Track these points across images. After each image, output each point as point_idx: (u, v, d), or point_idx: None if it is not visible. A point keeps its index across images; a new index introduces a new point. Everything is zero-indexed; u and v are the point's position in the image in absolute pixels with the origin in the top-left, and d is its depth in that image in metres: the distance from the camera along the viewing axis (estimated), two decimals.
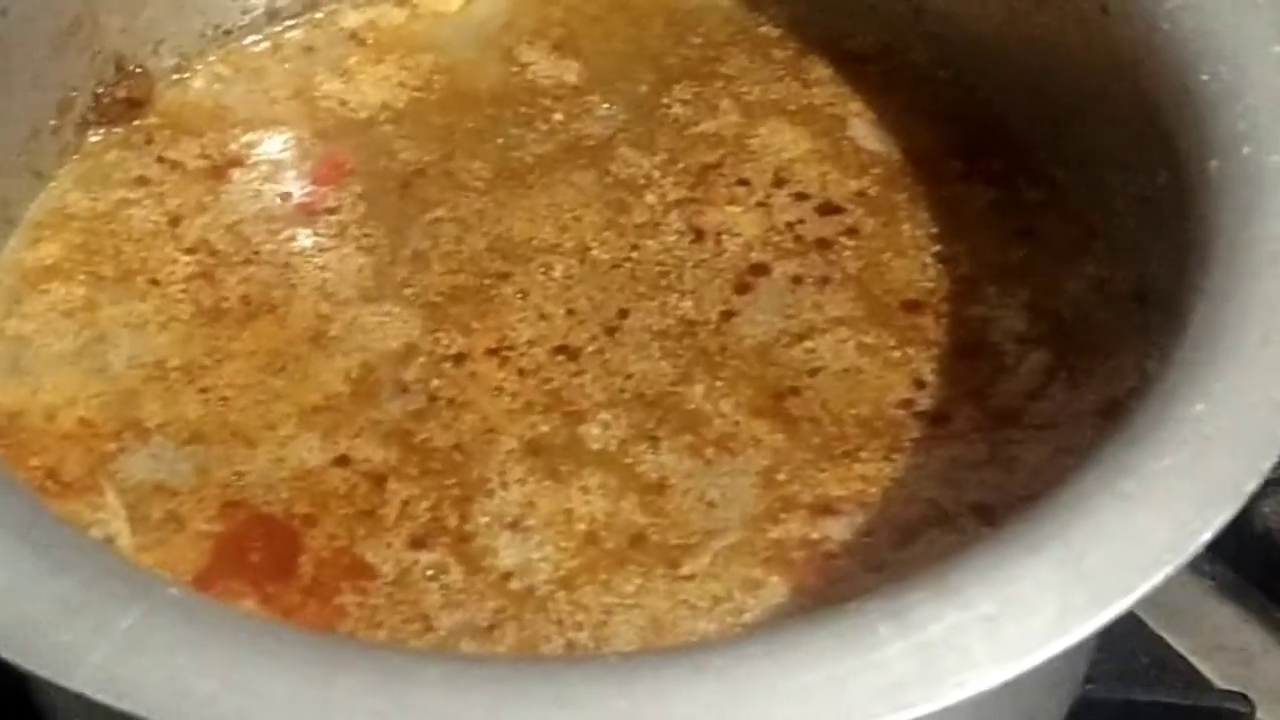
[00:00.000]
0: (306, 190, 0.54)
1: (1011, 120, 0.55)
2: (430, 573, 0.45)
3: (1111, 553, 0.38)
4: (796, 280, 0.52)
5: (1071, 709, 0.51)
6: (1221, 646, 0.59)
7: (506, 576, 0.45)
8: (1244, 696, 0.56)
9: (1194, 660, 0.59)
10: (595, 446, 0.48)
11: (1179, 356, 0.42)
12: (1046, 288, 0.51)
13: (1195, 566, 0.61)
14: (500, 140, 0.55)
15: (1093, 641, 0.51)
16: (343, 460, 0.47)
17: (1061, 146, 0.53)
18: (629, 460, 0.47)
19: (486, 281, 0.52)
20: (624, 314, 0.51)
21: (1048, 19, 0.53)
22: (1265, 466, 0.39)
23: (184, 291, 0.52)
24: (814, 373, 0.49)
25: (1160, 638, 0.58)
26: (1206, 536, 0.38)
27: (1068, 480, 0.40)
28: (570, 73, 0.58)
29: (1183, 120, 0.46)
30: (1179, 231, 0.45)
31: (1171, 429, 0.40)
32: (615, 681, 0.36)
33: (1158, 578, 0.38)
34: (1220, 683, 0.58)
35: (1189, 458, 0.39)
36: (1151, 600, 0.59)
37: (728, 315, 0.51)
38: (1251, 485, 0.39)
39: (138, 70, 0.56)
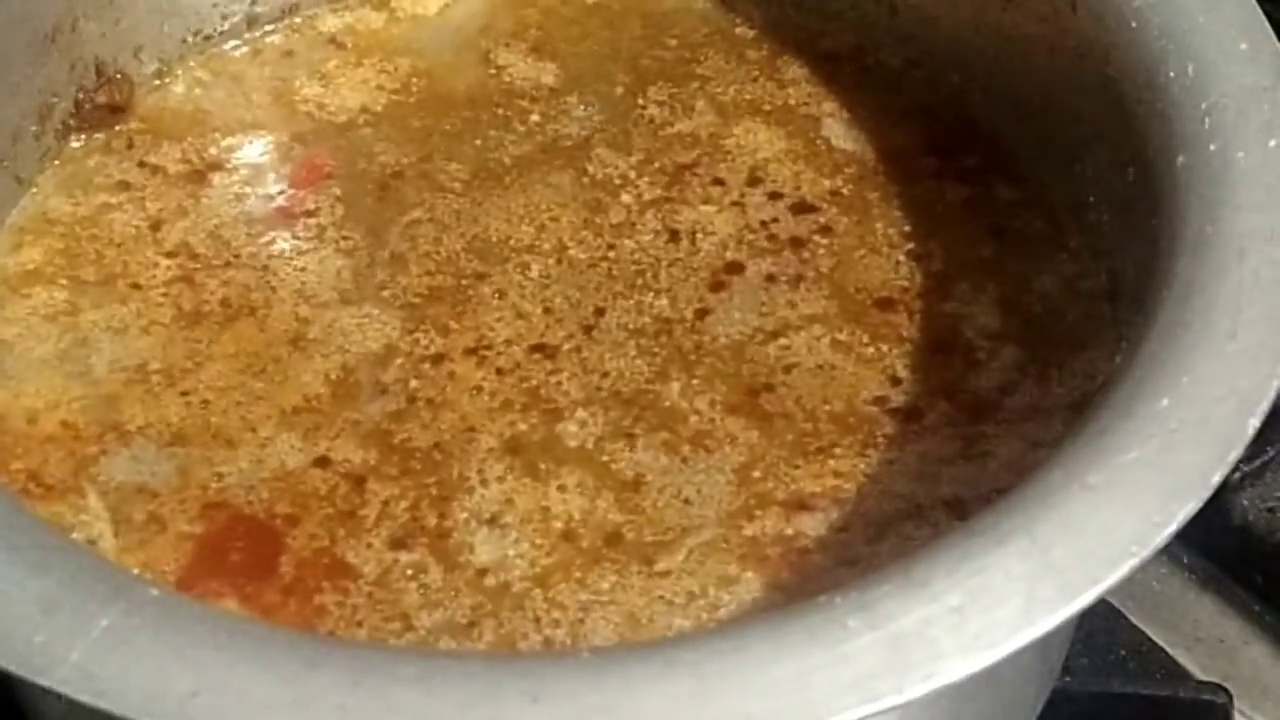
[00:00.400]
0: (286, 193, 0.55)
1: (984, 118, 0.55)
2: (410, 572, 0.46)
3: (1079, 545, 0.38)
4: (771, 279, 0.52)
5: (1050, 701, 0.51)
6: (1200, 638, 0.60)
7: (483, 573, 0.45)
8: (1223, 688, 0.56)
9: (1173, 652, 0.59)
10: (573, 444, 0.48)
11: (1147, 350, 0.42)
12: (1018, 284, 0.52)
13: (1174, 558, 0.62)
14: (478, 142, 0.56)
15: (1067, 633, 0.52)
16: (323, 461, 0.48)
17: (1033, 144, 0.53)
18: (606, 458, 0.48)
19: (464, 282, 0.52)
20: (600, 313, 0.51)
21: (1018, 18, 0.53)
22: (1231, 459, 0.40)
23: (165, 295, 0.52)
24: (788, 370, 0.50)
25: (1139, 629, 0.59)
26: (1172, 529, 0.39)
27: (1035, 473, 0.40)
28: (547, 74, 0.58)
29: (1151, 117, 0.47)
30: (1148, 227, 0.46)
31: (1139, 422, 0.40)
32: (588, 676, 0.37)
33: (1124, 569, 0.38)
34: (1199, 674, 0.59)
35: (1156, 451, 0.40)
36: (1130, 592, 0.60)
37: (703, 313, 0.51)
38: (1217, 478, 0.39)
39: (118, 76, 0.56)
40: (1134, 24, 0.48)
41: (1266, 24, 0.47)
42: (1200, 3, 0.48)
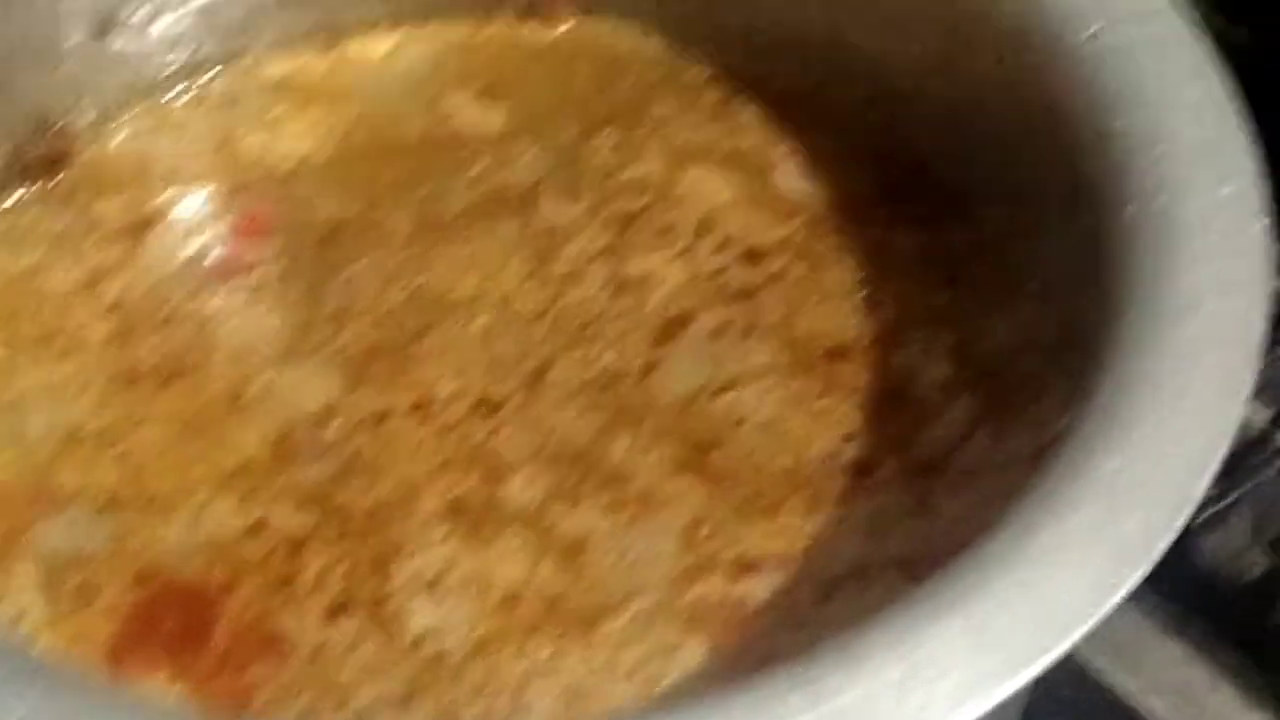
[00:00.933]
0: (227, 246, 0.54)
1: (938, 163, 0.54)
2: (347, 642, 0.45)
3: (1023, 616, 0.38)
4: (720, 330, 0.51)
5: None
6: (1165, 684, 0.59)
7: (420, 641, 0.44)
8: None
9: (1138, 698, 0.58)
10: (515, 505, 0.47)
11: (1097, 406, 0.42)
12: (972, 334, 0.51)
13: (1138, 603, 0.61)
14: (423, 190, 0.55)
15: (1025, 688, 0.51)
16: (260, 526, 0.47)
17: (989, 191, 0.52)
18: (549, 520, 0.47)
19: (406, 337, 0.51)
20: (546, 367, 0.50)
21: (970, 63, 0.52)
22: (1177, 525, 0.39)
23: (102, 354, 0.51)
24: (737, 425, 0.49)
25: (1102, 676, 0.58)
26: (1118, 597, 0.38)
27: (981, 539, 0.40)
28: (495, 120, 0.57)
29: (1101, 167, 0.46)
30: (1100, 278, 0.45)
31: (1085, 487, 0.39)
32: None
33: (1069, 641, 0.37)
34: None
35: (1102, 517, 0.39)
36: (1094, 638, 0.59)
37: (650, 367, 0.50)
38: (1162, 544, 0.39)
39: (58, 127, 0.55)
40: (1085, 71, 0.47)
41: (1217, 71, 0.46)
42: (1151, 50, 0.47)
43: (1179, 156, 0.44)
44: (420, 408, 0.49)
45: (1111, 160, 0.45)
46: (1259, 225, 0.43)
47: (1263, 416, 0.63)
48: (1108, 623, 0.62)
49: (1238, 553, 0.60)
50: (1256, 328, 0.41)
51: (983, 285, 0.52)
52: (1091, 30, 0.47)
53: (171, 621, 0.45)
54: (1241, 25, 0.69)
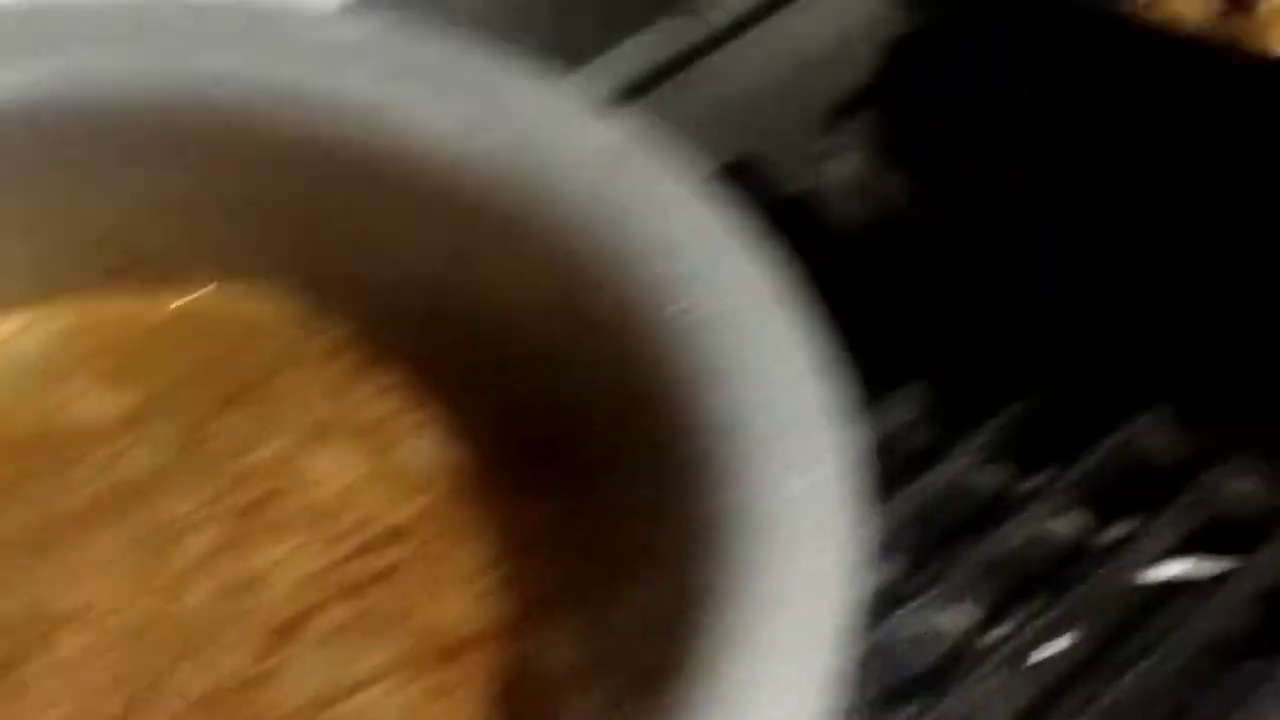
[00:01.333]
0: None
1: (566, 433, 0.52)
2: None
3: None
4: (342, 627, 0.49)
5: None
6: None
7: None
8: None
9: None
10: None
11: (692, 707, 0.40)
12: (600, 614, 0.49)
13: None
14: (34, 491, 0.52)
15: None
16: None
17: (610, 463, 0.51)
18: None
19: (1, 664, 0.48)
20: (155, 685, 0.47)
21: (586, 331, 0.50)
22: None
23: None
24: None
25: None
26: None
27: None
28: (118, 405, 0.54)
29: (690, 451, 0.44)
30: (697, 569, 0.43)
31: None
32: None
33: None
34: None
35: None
36: None
37: (268, 675, 0.48)
38: None
39: None
40: (674, 349, 0.46)
41: (811, 348, 0.45)
42: (740, 327, 0.45)
43: (761, 443, 0.43)
44: None
45: (697, 445, 0.44)
46: (845, 515, 0.42)
47: (960, 623, 0.62)
48: None
49: None
50: (836, 628, 0.40)
51: (609, 562, 0.50)
52: (683, 304, 0.46)
53: None
54: (899, 173, 0.70)
